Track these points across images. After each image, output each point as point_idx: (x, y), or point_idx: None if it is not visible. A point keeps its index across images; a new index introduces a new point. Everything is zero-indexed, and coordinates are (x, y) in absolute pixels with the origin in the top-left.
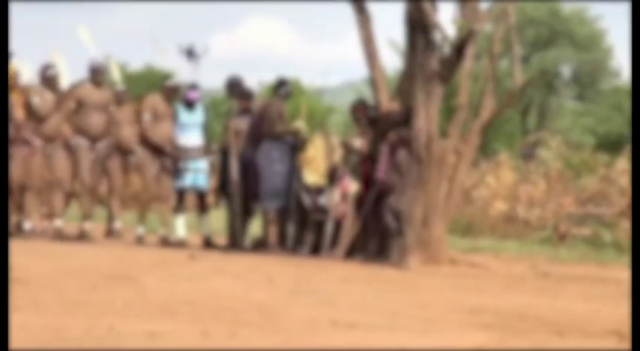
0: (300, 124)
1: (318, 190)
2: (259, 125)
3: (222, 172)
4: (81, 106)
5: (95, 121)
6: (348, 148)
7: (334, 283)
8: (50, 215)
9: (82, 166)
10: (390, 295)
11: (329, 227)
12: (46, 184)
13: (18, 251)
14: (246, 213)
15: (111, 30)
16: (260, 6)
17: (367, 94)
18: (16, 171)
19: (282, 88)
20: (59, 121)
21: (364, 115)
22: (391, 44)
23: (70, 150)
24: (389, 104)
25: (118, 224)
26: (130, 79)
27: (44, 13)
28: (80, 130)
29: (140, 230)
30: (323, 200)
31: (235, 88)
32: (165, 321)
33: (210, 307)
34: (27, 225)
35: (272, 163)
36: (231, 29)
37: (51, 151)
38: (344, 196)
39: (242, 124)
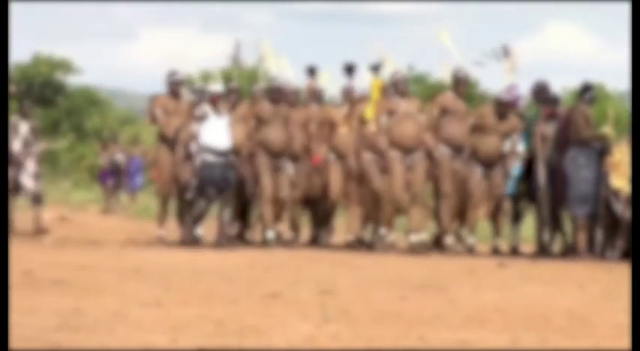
0: (607, 130)
1: (621, 194)
2: (565, 131)
3: (529, 178)
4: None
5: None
6: None
7: None
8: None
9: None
10: None
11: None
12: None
13: (324, 262)
14: (555, 219)
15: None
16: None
17: None
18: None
19: (587, 93)
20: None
21: None
22: None
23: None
24: None
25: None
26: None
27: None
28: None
29: (471, 240)
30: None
31: (541, 93)
32: (475, 330)
33: (520, 315)
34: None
35: (579, 168)
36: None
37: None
38: None
39: (548, 130)
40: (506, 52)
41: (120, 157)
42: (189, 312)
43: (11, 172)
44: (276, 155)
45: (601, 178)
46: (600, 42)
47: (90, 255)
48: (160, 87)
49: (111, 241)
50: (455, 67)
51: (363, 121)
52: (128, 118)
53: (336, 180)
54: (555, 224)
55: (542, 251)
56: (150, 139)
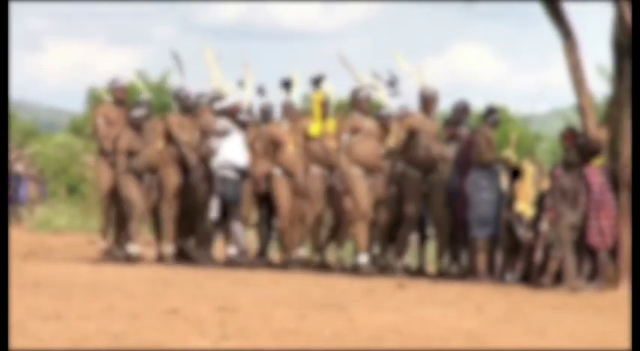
0: (509, 153)
1: (524, 218)
2: (467, 153)
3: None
4: None
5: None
6: (555, 176)
7: (544, 311)
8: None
9: None
10: (600, 323)
11: (538, 255)
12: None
13: (223, 278)
14: (454, 242)
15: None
16: (465, 32)
17: (575, 122)
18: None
19: (490, 115)
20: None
21: (573, 142)
22: (599, 70)
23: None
24: (597, 131)
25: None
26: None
27: None
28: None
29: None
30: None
31: (457, 113)
32: (373, 350)
33: (418, 336)
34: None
35: (480, 191)
36: (439, 55)
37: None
38: (552, 224)
39: (449, 151)
40: (392, 82)
41: (19, 168)
42: (89, 326)
43: None
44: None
45: (501, 200)
46: (506, 66)
47: None
48: (64, 99)
49: (11, 253)
50: (356, 87)
51: (307, 137)
52: (32, 130)
53: (283, 197)
54: (455, 246)
55: (442, 273)
56: (50, 151)
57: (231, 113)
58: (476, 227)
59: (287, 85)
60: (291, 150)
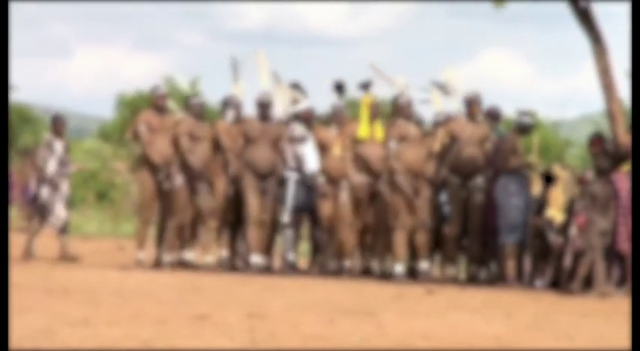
0: (533, 158)
1: (555, 224)
2: (495, 159)
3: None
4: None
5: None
6: (585, 182)
7: (573, 317)
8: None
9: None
10: (628, 328)
11: (567, 260)
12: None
13: (253, 285)
14: (484, 246)
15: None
16: (491, 37)
17: (605, 127)
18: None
19: (518, 120)
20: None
21: (601, 148)
22: (629, 75)
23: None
24: (626, 137)
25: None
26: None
27: None
28: None
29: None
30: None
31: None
32: None
33: (447, 342)
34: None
35: (509, 196)
36: (467, 61)
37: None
38: (581, 230)
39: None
40: (443, 88)
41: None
42: (118, 332)
43: (45, 194)
44: (262, 176)
45: (530, 206)
46: (534, 70)
47: (18, 273)
48: (92, 105)
49: (40, 259)
50: (396, 94)
51: (356, 141)
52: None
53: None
54: (484, 252)
55: (471, 279)
56: (79, 157)
57: (305, 118)
58: (505, 233)
59: (340, 88)
60: (336, 154)
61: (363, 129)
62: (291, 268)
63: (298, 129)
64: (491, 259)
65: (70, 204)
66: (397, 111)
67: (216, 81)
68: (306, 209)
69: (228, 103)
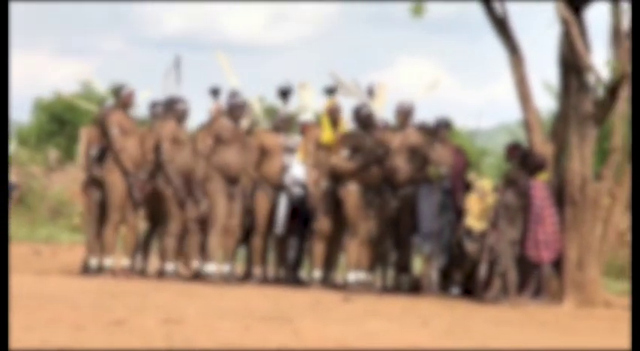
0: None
1: (473, 232)
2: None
3: None
4: None
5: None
6: (501, 192)
7: (489, 326)
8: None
9: None
10: (544, 338)
11: (482, 269)
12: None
13: (169, 291)
14: (401, 255)
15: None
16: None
17: (521, 137)
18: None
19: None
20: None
21: (517, 157)
22: (545, 86)
23: None
24: (542, 146)
25: None
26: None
27: None
28: None
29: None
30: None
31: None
32: None
33: (363, 350)
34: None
35: (428, 205)
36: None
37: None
38: (497, 239)
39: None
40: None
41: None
42: (33, 337)
43: None
44: (231, 180)
45: (449, 214)
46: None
47: None
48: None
49: None
50: (357, 105)
51: (319, 146)
52: None
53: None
54: (402, 260)
55: (388, 287)
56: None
57: (305, 131)
58: (423, 240)
59: (284, 94)
60: (278, 161)
61: (326, 135)
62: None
63: (294, 140)
64: (408, 266)
65: None
66: (357, 121)
67: (136, 85)
68: (303, 219)
69: (171, 104)
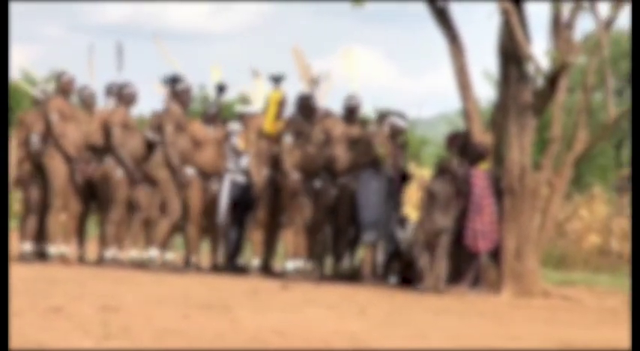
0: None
1: (408, 221)
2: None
3: None
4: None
5: None
6: (432, 180)
7: (428, 315)
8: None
9: None
10: (482, 327)
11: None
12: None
13: (107, 278)
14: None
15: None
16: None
17: (461, 126)
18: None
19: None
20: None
21: (457, 146)
22: (485, 75)
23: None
24: (481, 136)
25: None
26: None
27: None
28: None
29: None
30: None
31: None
32: None
33: (301, 338)
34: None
35: (369, 193)
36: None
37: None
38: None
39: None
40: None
41: None
42: None
43: None
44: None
45: (389, 203)
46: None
47: None
48: None
49: None
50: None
51: (261, 136)
52: None
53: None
54: (339, 248)
55: (326, 275)
56: None
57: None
58: (362, 229)
59: (221, 89)
60: (209, 152)
61: (268, 124)
62: (239, 270)
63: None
64: (345, 255)
65: None
66: (299, 108)
67: (76, 72)
68: (244, 207)
69: (110, 90)
